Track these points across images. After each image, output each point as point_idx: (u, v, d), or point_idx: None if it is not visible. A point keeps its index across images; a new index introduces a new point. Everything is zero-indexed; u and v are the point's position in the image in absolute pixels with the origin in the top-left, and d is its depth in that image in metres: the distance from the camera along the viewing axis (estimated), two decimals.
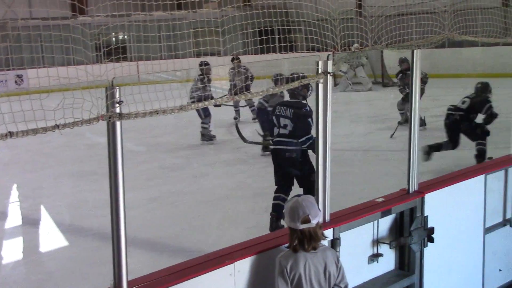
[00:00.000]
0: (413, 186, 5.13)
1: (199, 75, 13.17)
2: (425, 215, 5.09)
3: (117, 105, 3.07)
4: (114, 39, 5.87)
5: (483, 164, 6.16)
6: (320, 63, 4.19)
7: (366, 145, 13.06)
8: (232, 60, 15.25)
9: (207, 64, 12.92)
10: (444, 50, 24.07)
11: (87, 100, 3.01)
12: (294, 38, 5.01)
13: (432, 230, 5.12)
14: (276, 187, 7.73)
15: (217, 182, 10.48)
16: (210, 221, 8.33)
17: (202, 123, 14.14)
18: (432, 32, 5.34)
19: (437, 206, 5.24)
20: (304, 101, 7.58)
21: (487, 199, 5.83)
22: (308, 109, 7.34)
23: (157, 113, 3.13)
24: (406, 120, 13.13)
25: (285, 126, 7.50)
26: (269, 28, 4.58)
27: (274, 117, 7.67)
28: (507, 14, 6.62)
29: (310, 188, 6.82)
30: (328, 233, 4.37)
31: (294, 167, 7.51)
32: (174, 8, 3.95)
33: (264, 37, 4.48)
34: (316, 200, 4.37)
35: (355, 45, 4.90)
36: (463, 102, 10.23)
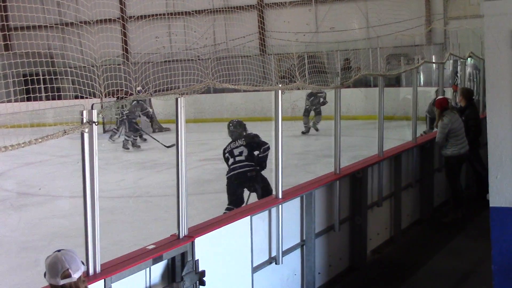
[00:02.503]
0: (183, 231, 5.20)
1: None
2: (196, 259, 5.18)
3: None
4: None
5: (248, 205, 6.43)
6: (84, 112, 4.13)
7: (137, 191, 13.03)
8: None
9: None
10: (209, 95, 24.98)
11: None
12: (61, 87, 4.90)
13: (203, 273, 5.22)
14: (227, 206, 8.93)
15: None
16: None
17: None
18: (196, 80, 5.52)
19: (207, 249, 5.37)
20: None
21: (253, 239, 6.08)
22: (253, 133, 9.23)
23: None
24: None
25: (241, 153, 8.87)
26: (35, 77, 4.45)
27: (227, 154, 8.99)
28: (264, 64, 7.05)
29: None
30: (100, 284, 4.29)
31: (255, 183, 8.89)
32: None
33: (31, 86, 4.34)
34: (86, 252, 4.28)
35: (139, 88, 4.91)
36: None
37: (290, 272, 6.89)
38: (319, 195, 7.29)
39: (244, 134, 9.12)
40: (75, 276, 3.57)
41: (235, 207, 8.58)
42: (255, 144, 8.97)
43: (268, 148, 8.81)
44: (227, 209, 8.78)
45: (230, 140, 9.11)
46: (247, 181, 8.91)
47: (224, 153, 9.09)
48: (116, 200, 11.93)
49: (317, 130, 20.87)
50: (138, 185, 13.72)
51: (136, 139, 19.37)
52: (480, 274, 7.62)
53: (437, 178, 10.76)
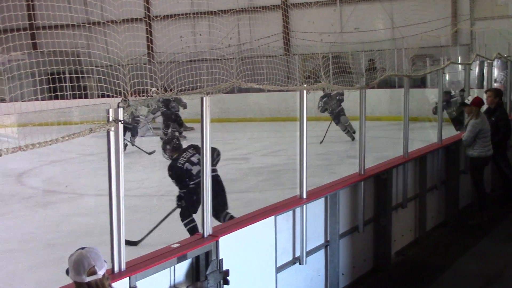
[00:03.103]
0: (208, 230, 5.21)
1: None
2: (220, 258, 5.19)
3: None
4: None
5: (273, 205, 6.41)
6: (110, 111, 4.16)
7: (161, 190, 13.06)
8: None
9: None
10: (234, 95, 24.99)
11: None
12: (88, 85, 4.93)
13: (227, 272, 5.22)
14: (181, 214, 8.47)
15: (5, 235, 9.88)
16: None
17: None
18: (220, 79, 5.52)
19: (231, 249, 5.37)
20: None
21: (277, 239, 6.08)
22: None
23: None
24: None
25: (199, 160, 8.12)
26: (62, 76, 4.48)
27: (187, 164, 8.36)
28: (289, 64, 7.03)
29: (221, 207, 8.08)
30: (125, 282, 4.31)
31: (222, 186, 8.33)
32: None
33: (57, 84, 4.37)
34: (111, 250, 4.30)
35: (153, 89, 4.93)
36: None
37: (314, 272, 6.88)
38: (344, 196, 7.26)
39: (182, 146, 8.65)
40: (100, 273, 3.61)
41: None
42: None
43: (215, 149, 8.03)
44: (192, 225, 8.26)
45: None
46: (219, 186, 8.22)
47: (182, 168, 8.38)
48: (140, 198, 11.98)
49: (352, 138, 18.56)
50: (162, 184, 13.70)
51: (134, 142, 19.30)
52: (507, 277, 7.55)
53: (463, 180, 10.66)
